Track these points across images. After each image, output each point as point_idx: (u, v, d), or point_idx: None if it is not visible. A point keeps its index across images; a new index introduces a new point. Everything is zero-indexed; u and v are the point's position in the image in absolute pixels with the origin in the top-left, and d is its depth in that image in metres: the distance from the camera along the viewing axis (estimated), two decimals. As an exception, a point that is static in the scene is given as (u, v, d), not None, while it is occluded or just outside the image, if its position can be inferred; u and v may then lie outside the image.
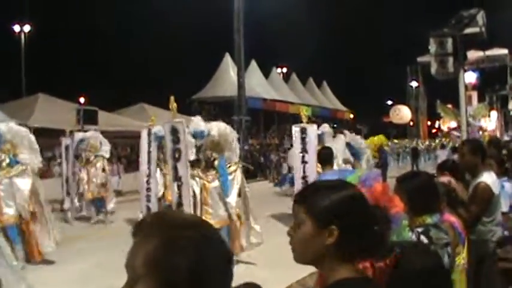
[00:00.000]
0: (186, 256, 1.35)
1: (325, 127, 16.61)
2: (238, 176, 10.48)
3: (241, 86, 35.43)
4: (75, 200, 16.83)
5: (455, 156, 8.90)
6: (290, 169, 20.70)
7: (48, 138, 26.52)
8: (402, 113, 63.69)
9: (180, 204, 9.50)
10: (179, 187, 9.55)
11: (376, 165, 17.74)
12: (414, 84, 74.60)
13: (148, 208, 12.01)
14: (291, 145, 17.63)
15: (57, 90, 32.84)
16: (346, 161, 15.81)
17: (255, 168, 33.36)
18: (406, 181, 3.67)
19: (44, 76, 48.47)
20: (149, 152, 12.44)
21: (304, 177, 14.68)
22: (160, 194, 13.09)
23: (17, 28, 44.04)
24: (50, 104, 28.57)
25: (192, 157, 10.01)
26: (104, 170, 16.65)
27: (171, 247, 1.36)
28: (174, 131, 9.63)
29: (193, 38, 70.82)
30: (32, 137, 11.16)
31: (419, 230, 3.32)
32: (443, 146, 36.91)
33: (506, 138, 36.00)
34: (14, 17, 44.89)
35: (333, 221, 1.86)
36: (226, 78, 47.60)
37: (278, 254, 10.63)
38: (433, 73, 11.95)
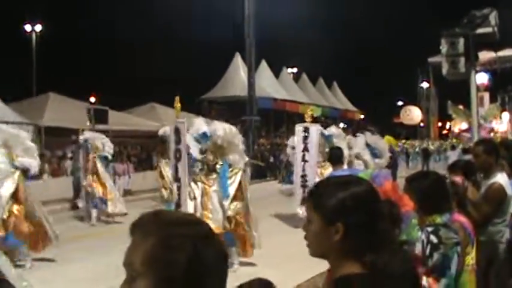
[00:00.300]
0: (182, 253, 1.38)
1: (335, 129, 16.63)
2: (237, 180, 10.32)
3: (251, 86, 35.44)
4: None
5: (466, 157, 8.85)
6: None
7: (58, 137, 26.68)
8: (413, 114, 63.59)
9: (178, 205, 9.51)
10: (179, 188, 9.58)
11: (386, 166, 17.71)
12: (425, 85, 74.46)
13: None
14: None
15: (68, 89, 32.93)
16: (358, 157, 15.83)
17: (265, 167, 33.35)
18: (416, 181, 3.67)
19: (55, 75, 48.59)
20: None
21: (303, 176, 14.69)
22: None
23: (28, 27, 44.24)
24: (61, 103, 28.70)
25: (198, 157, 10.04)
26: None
27: (168, 244, 1.39)
28: (177, 131, 9.65)
29: (203, 37, 70.91)
30: (28, 140, 11.11)
31: (429, 229, 3.31)
32: (453, 147, 36.74)
33: (517, 139, 35.80)
34: (25, 17, 45.11)
35: (338, 218, 1.88)
36: (237, 78, 47.62)
37: (283, 253, 10.70)
38: (444, 74, 11.87)
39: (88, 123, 23.64)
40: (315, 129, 14.88)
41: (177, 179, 9.55)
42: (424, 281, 3.11)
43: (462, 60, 11.41)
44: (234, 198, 10.19)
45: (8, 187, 10.33)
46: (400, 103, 76.46)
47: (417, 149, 50.55)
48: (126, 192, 24.28)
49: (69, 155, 20.16)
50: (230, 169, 10.31)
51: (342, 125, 48.29)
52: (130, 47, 63.18)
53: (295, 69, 65.12)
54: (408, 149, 49.03)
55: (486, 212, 5.27)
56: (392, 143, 24.54)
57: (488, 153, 5.53)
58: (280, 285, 2.18)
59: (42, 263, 10.68)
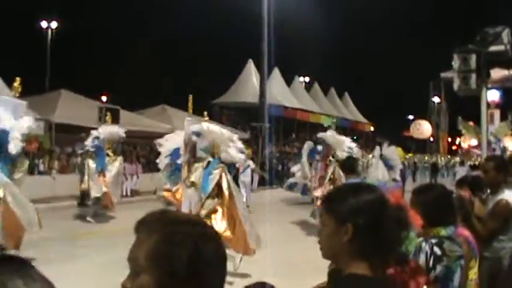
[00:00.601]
0: (184, 249, 1.47)
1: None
2: (216, 178, 10.27)
3: (263, 93, 35.47)
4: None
5: (474, 173, 8.86)
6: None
7: (68, 134, 26.80)
8: (423, 128, 63.38)
9: None
10: None
11: (393, 179, 17.69)
12: (436, 99, 74.28)
13: None
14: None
15: (80, 87, 33.09)
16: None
17: (272, 175, 33.29)
18: (422, 193, 3.70)
19: (68, 72, 48.85)
20: None
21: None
22: None
23: (44, 24, 44.53)
24: (72, 100, 28.81)
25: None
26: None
27: (170, 241, 1.48)
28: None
29: (216, 42, 71.13)
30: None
31: (433, 241, 3.34)
32: (462, 163, 36.68)
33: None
34: (41, 13, 45.43)
35: (349, 219, 1.97)
36: (249, 85, 47.62)
37: (286, 261, 10.72)
38: (455, 89, 11.88)
39: (99, 122, 23.76)
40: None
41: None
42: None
43: (474, 76, 11.41)
44: (209, 196, 10.15)
45: None
46: (410, 117, 76.34)
47: (426, 163, 50.42)
48: (134, 193, 24.39)
49: (80, 151, 20.26)
50: (215, 166, 10.33)
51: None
52: (144, 47, 63.42)
53: (307, 78, 65.12)
54: (417, 163, 48.87)
55: (492, 227, 5.29)
56: (401, 156, 24.49)
57: (497, 169, 5.55)
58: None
59: (47, 259, 10.75)
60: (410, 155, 53.85)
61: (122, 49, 62.98)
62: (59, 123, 25.83)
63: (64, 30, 46.55)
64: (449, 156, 63.53)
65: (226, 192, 10.14)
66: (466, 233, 3.86)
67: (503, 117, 41.60)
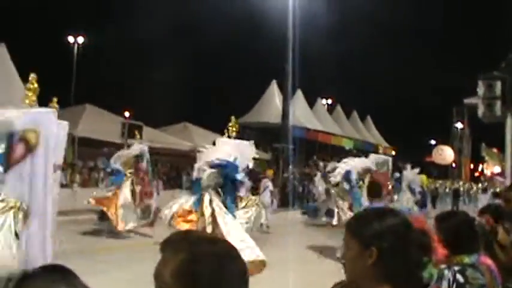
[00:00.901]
0: (208, 267, 1.51)
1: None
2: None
3: (286, 114, 35.48)
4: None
5: (497, 201, 8.77)
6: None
7: (91, 148, 27.00)
8: (445, 154, 62.93)
9: None
10: None
11: (415, 203, 17.58)
12: (459, 125, 73.82)
13: None
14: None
15: (104, 102, 33.38)
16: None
17: (292, 197, 33.19)
18: (445, 220, 3.67)
19: (93, 87, 49.32)
20: None
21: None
22: None
23: (71, 39, 45.13)
24: (96, 115, 29.08)
25: None
26: None
27: (195, 260, 1.52)
28: None
29: (240, 62, 71.49)
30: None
31: (456, 268, 3.31)
32: (485, 190, 36.34)
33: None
34: (68, 28, 46.08)
35: (373, 242, 2.00)
36: (272, 105, 47.63)
37: (301, 282, 10.65)
38: (479, 115, 11.84)
39: (121, 137, 23.93)
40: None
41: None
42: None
43: (498, 103, 11.37)
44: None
45: None
46: (432, 142, 75.90)
47: (447, 190, 49.94)
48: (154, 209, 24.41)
49: (101, 165, 20.40)
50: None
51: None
52: (168, 65, 63.86)
53: (329, 101, 65.08)
54: (438, 189, 48.42)
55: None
56: (424, 182, 24.36)
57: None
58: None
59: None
60: (432, 180, 53.33)
61: (145, 65, 63.49)
62: (82, 137, 26.04)
63: (90, 45, 47.15)
64: (472, 184, 62.82)
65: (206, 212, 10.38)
66: (488, 261, 3.81)
67: (527, 145, 41.21)
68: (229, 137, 11.95)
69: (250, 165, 10.69)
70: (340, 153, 54.14)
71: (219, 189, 10.92)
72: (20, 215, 6.52)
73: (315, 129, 52.74)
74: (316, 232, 19.67)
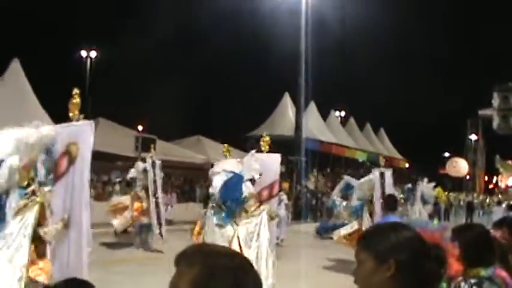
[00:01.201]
0: (224, 281, 1.52)
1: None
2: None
3: (299, 126, 35.48)
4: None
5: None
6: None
7: (105, 162, 27.09)
8: (459, 166, 62.61)
9: None
10: None
11: (429, 216, 17.49)
12: (473, 137, 73.45)
13: None
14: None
15: (117, 115, 33.55)
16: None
17: (306, 210, 33.13)
18: (462, 232, 3.66)
19: (106, 101, 49.59)
20: None
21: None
22: None
23: (83, 53, 45.46)
24: (109, 129, 29.21)
25: None
26: None
27: (211, 273, 1.53)
28: None
29: (253, 74, 71.52)
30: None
31: (472, 281, 3.30)
32: (499, 203, 36.11)
33: None
34: (81, 43, 46.39)
35: (391, 255, 2.00)
36: (285, 118, 47.65)
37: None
38: (494, 127, 11.82)
39: (135, 151, 24.01)
40: (389, 174, 14.86)
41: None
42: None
43: (514, 115, 11.31)
44: None
45: None
46: (446, 154, 75.51)
47: (461, 202, 49.65)
48: (168, 222, 24.45)
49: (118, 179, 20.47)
50: None
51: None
52: (181, 80, 64.12)
53: (343, 113, 65.02)
54: (452, 201, 48.14)
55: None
56: (440, 195, 24.27)
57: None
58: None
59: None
60: (446, 193, 53.08)
61: (158, 79, 63.75)
62: (96, 151, 26.04)
63: (103, 59, 47.41)
64: (486, 196, 62.39)
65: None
66: (503, 274, 3.79)
67: (543, 157, 40.96)
68: (261, 151, 11.82)
69: (256, 177, 10.55)
70: (354, 166, 54.13)
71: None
72: (59, 226, 6.60)
73: (328, 142, 52.67)
74: (329, 245, 19.57)
